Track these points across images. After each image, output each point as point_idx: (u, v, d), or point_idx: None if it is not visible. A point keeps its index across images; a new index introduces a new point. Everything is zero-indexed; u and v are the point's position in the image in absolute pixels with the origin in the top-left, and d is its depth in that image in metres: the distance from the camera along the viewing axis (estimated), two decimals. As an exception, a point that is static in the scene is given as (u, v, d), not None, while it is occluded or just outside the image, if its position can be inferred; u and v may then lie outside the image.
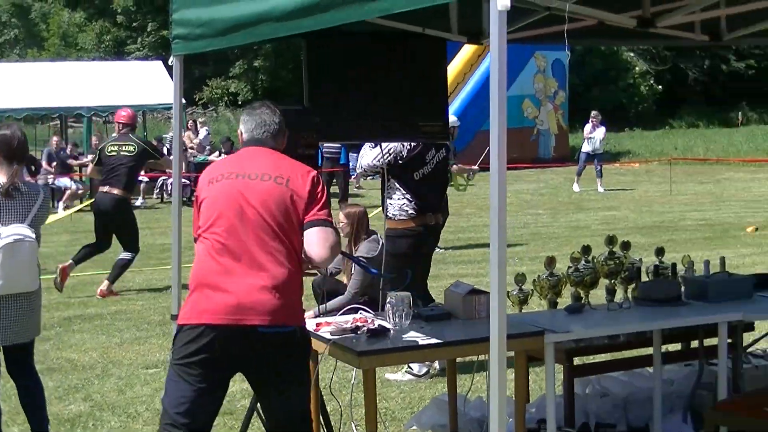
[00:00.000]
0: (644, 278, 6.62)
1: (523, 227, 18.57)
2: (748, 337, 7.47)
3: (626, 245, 6.58)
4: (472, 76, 31.49)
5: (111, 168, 12.40)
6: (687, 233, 17.65)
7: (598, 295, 6.47)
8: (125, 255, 12.52)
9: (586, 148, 26.76)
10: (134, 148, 12.62)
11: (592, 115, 27.65)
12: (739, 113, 51.27)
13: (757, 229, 17.83)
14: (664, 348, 6.84)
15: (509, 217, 18.30)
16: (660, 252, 6.85)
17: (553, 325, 5.69)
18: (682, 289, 6.48)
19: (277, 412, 4.90)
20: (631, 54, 50.50)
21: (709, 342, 6.40)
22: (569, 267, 6.35)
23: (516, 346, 5.42)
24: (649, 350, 6.53)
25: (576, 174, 26.97)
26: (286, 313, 4.75)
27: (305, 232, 4.83)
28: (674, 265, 6.72)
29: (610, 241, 6.46)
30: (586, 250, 6.45)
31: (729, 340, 6.24)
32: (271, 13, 5.24)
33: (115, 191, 12.32)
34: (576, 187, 26.60)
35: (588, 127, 27.12)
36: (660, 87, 51.97)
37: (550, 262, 6.33)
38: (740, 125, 49.41)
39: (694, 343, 6.74)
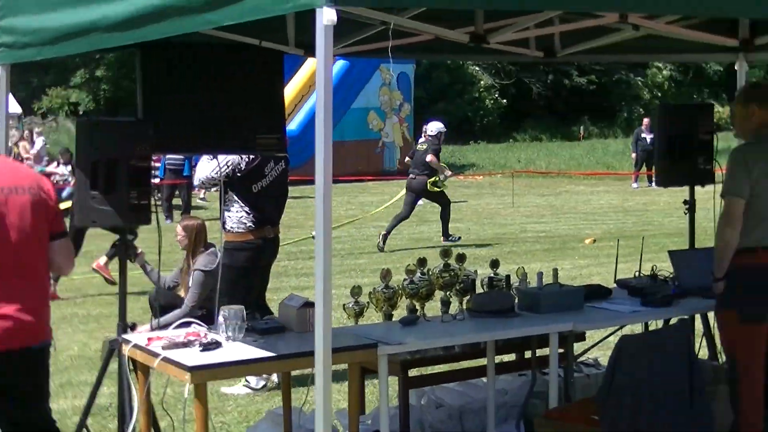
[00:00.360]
0: (480, 290, 6.71)
1: (366, 239, 18.65)
2: (580, 347, 7.64)
3: (461, 257, 6.66)
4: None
5: None
6: (527, 245, 17.96)
7: (434, 307, 6.53)
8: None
9: None
10: None
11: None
12: (581, 127, 52.40)
13: (594, 240, 18.24)
14: (498, 358, 6.95)
15: (353, 229, 18.62)
16: (495, 264, 6.95)
17: (387, 337, 5.72)
18: (516, 300, 6.59)
19: (24, 426, 4.88)
20: (477, 68, 51.18)
21: (541, 352, 6.51)
22: (405, 279, 6.40)
23: (349, 359, 5.45)
24: (484, 361, 6.63)
25: None
26: (47, 327, 4.85)
27: (56, 243, 4.89)
28: (508, 276, 6.82)
29: (446, 253, 6.53)
30: (422, 262, 6.50)
31: (561, 350, 6.36)
32: (101, 23, 5.14)
33: None
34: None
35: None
36: (504, 101, 52.79)
37: (386, 274, 6.36)
38: (581, 139, 50.49)
39: (528, 354, 6.85)
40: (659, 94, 56.31)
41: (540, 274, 6.76)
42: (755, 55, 8.22)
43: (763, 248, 6.23)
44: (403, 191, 18.61)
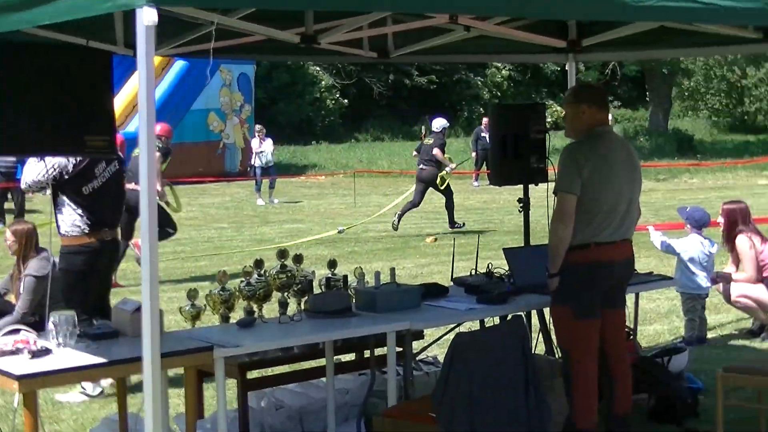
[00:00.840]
0: (317, 290, 6.70)
1: (207, 241, 18.48)
2: (419, 345, 7.70)
3: (299, 258, 6.64)
4: (156, 88, 31.04)
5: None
6: (369, 244, 18.03)
7: (273, 309, 6.49)
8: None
9: (258, 162, 27.01)
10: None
11: (256, 129, 28.16)
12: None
13: (436, 239, 18.40)
14: (338, 358, 6.95)
15: (193, 232, 18.43)
16: (332, 264, 6.95)
17: (223, 339, 5.67)
18: (353, 300, 6.59)
19: None
20: (317, 68, 51.14)
21: (381, 351, 6.54)
22: (242, 281, 6.35)
23: (184, 362, 5.39)
24: (323, 361, 6.63)
25: (256, 190, 27.10)
26: None
27: None
28: (345, 276, 6.84)
29: (282, 254, 6.50)
30: (259, 263, 6.46)
31: (399, 349, 6.39)
32: None
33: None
34: (260, 201, 26.69)
35: (255, 142, 27.44)
36: (346, 101, 52.90)
37: (222, 276, 6.31)
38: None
39: (368, 353, 6.87)
40: (498, 94, 57.16)
41: (377, 274, 6.78)
42: (584, 55, 8.41)
43: (596, 244, 6.37)
44: (414, 186, 20.46)
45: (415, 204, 19.80)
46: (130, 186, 13.77)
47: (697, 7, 4.62)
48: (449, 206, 19.81)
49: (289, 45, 6.87)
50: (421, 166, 19.83)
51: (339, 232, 19.50)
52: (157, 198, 14.13)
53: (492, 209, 24.02)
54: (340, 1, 4.10)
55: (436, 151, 19.47)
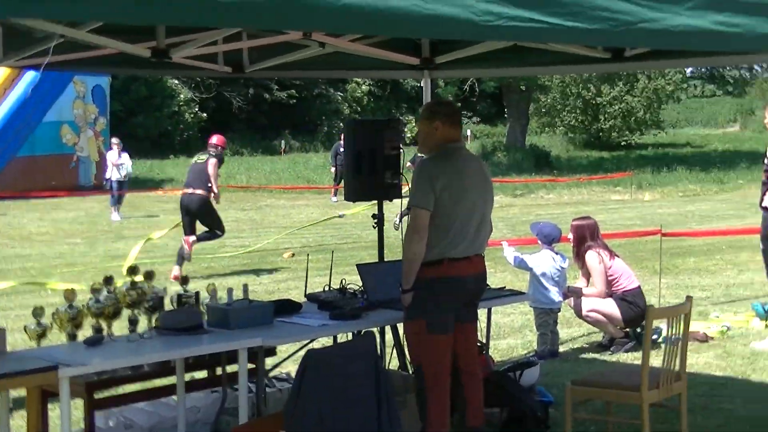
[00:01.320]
0: (169, 307, 6.60)
1: (58, 257, 18.12)
2: (273, 362, 7.65)
3: (150, 275, 6.54)
4: (5, 99, 30.32)
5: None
6: (226, 260, 17.89)
7: (123, 326, 6.38)
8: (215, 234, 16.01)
9: (117, 175, 26.58)
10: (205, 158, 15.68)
11: (113, 142, 27.73)
12: (282, 141, 52.78)
13: (293, 254, 18.36)
14: (190, 376, 6.86)
15: (45, 247, 18.04)
16: (185, 281, 6.87)
17: (69, 358, 5.54)
18: (205, 317, 6.51)
19: None
20: (176, 81, 50.72)
21: (234, 368, 6.48)
22: (90, 298, 6.22)
23: (26, 383, 5.26)
24: (174, 379, 6.54)
25: (111, 204, 26.62)
26: None
27: None
28: (198, 293, 6.76)
29: (132, 270, 6.40)
30: (108, 280, 6.35)
31: (252, 366, 6.34)
32: None
33: (199, 191, 15.49)
34: (116, 216, 26.22)
35: (113, 154, 27.05)
36: (205, 115, 52.54)
37: (70, 294, 6.17)
38: (283, 153, 50.86)
39: (220, 370, 6.80)
40: (359, 109, 57.48)
41: (230, 290, 6.71)
42: (439, 72, 8.48)
43: (450, 260, 6.41)
44: None
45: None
46: (188, 190, 15.74)
47: (544, 27, 4.66)
48: None
49: (143, 59, 6.78)
50: None
51: (340, 216, 20.45)
52: (215, 201, 14.72)
53: (350, 224, 24.05)
54: (186, 17, 4.03)
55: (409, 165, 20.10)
